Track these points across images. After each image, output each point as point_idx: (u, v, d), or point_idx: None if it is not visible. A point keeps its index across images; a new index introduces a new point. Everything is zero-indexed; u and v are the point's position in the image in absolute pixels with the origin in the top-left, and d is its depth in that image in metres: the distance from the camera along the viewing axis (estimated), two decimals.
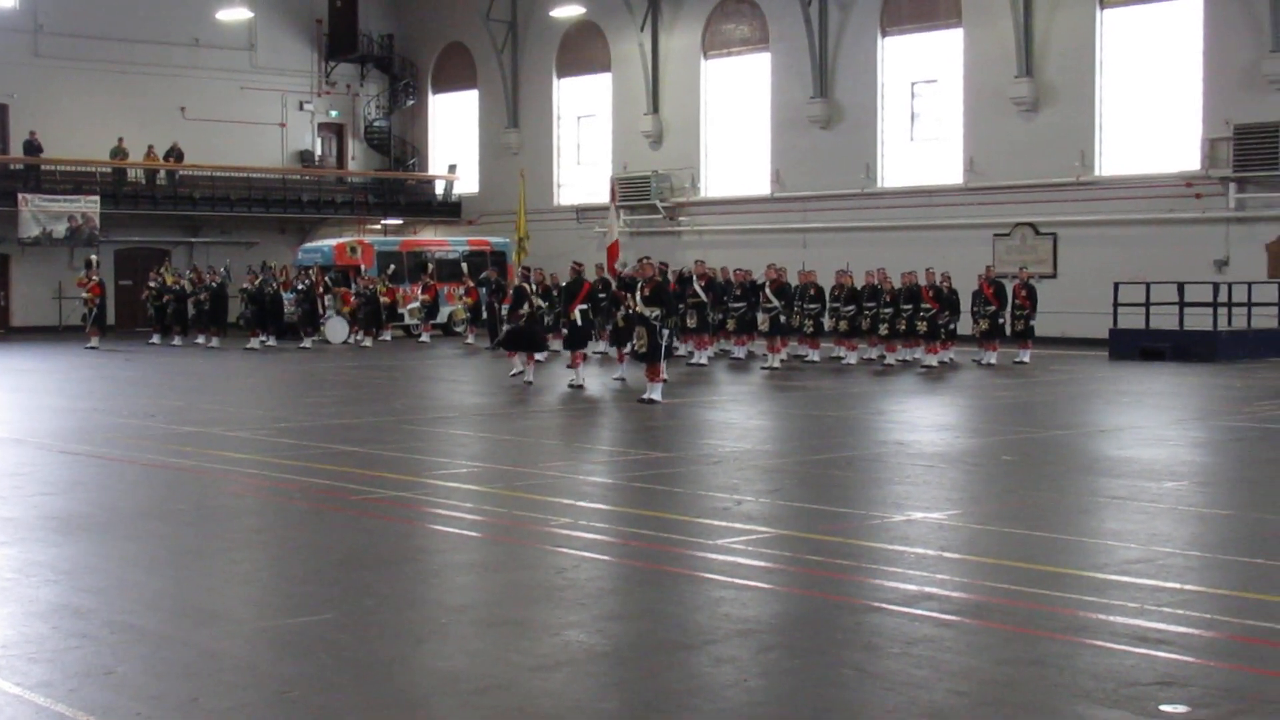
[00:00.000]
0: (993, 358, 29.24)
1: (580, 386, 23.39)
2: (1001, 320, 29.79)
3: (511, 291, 25.78)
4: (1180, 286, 30.83)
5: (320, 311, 37.80)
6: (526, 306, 24.52)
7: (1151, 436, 17.17)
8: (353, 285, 39.18)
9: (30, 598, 8.73)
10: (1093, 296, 33.93)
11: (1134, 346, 30.62)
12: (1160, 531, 10.75)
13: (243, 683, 7.07)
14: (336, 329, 38.16)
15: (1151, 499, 12.25)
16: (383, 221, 51.10)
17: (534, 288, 25.00)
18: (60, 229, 43.26)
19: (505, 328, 25.76)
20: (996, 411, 20.91)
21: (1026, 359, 29.31)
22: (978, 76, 37.89)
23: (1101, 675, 6.98)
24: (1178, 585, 8.89)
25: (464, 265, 39.72)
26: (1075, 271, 35.92)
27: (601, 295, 26.39)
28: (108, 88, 46.14)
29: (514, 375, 24.94)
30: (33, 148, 43.82)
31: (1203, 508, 12.09)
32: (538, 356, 25.29)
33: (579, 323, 24.01)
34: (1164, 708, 6.46)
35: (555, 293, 29.75)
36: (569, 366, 24.13)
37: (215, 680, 7.09)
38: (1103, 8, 35.97)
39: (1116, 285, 31.83)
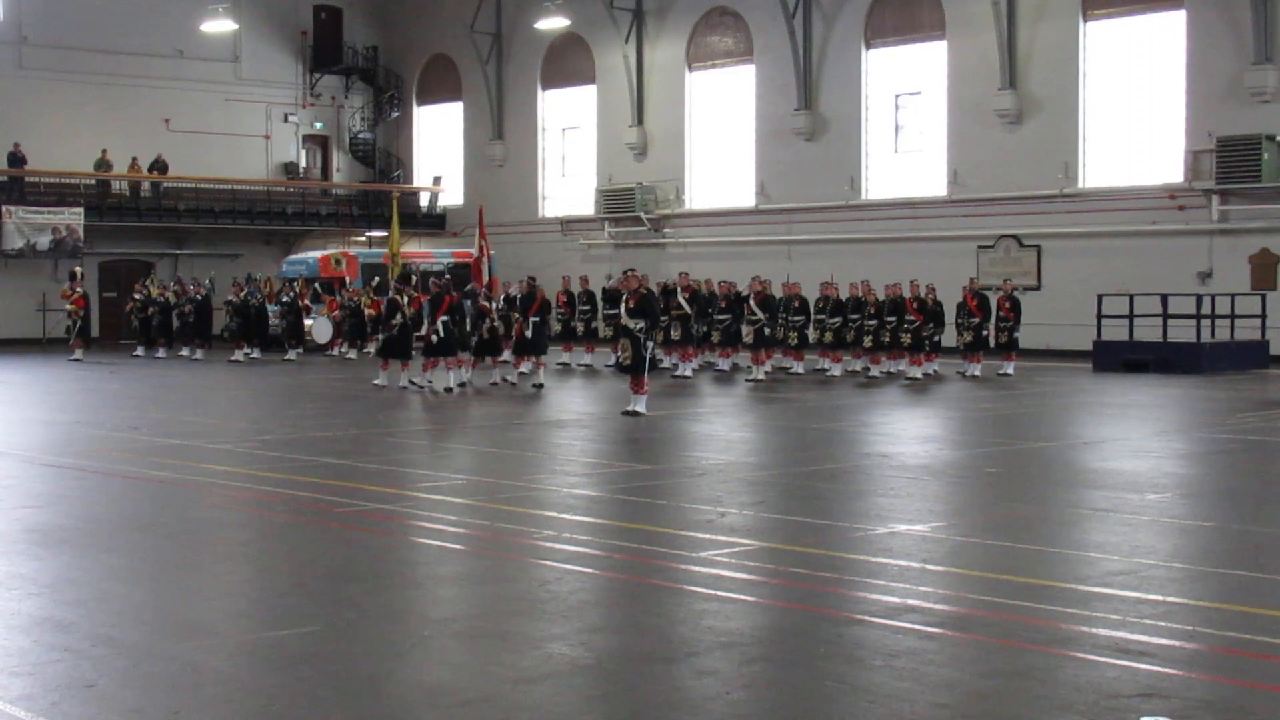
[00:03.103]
0: (977, 370, 29.31)
1: (451, 390, 25.38)
2: (985, 332, 29.84)
3: (385, 302, 27.64)
4: (1164, 298, 30.91)
5: (307, 320, 37.87)
6: (399, 317, 26.27)
7: (1135, 448, 17.19)
8: (338, 297, 39.15)
9: (12, 611, 8.70)
10: (1076, 308, 34.02)
11: (1118, 358, 30.69)
12: (1143, 544, 10.77)
13: (225, 696, 7.05)
14: (322, 328, 38.13)
15: (1134, 511, 12.26)
16: (367, 233, 51.04)
17: (406, 300, 26.65)
18: (44, 241, 43.19)
19: (381, 337, 27.56)
20: (980, 423, 20.93)
21: (1010, 371, 29.37)
22: (961, 88, 37.99)
23: (1083, 687, 6.99)
24: (1160, 597, 8.90)
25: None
26: (1059, 283, 36.01)
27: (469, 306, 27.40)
28: (92, 99, 46.08)
29: (375, 383, 26.33)
30: (16, 159, 43.73)
31: (1185, 520, 12.11)
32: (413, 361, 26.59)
33: (440, 333, 25.49)
34: None
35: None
36: (424, 369, 26.11)
37: (197, 694, 7.06)
38: (1086, 20, 36.10)
39: (1100, 297, 31.90)
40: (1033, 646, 7.77)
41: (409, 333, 26.38)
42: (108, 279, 46.38)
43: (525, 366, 26.87)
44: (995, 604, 8.76)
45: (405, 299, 26.61)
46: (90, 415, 22.34)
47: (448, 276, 28.98)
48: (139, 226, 46.29)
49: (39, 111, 45.11)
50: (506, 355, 27.32)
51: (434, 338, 25.47)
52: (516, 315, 26.70)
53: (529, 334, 26.48)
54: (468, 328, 26.55)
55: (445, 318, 25.63)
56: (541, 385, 25.94)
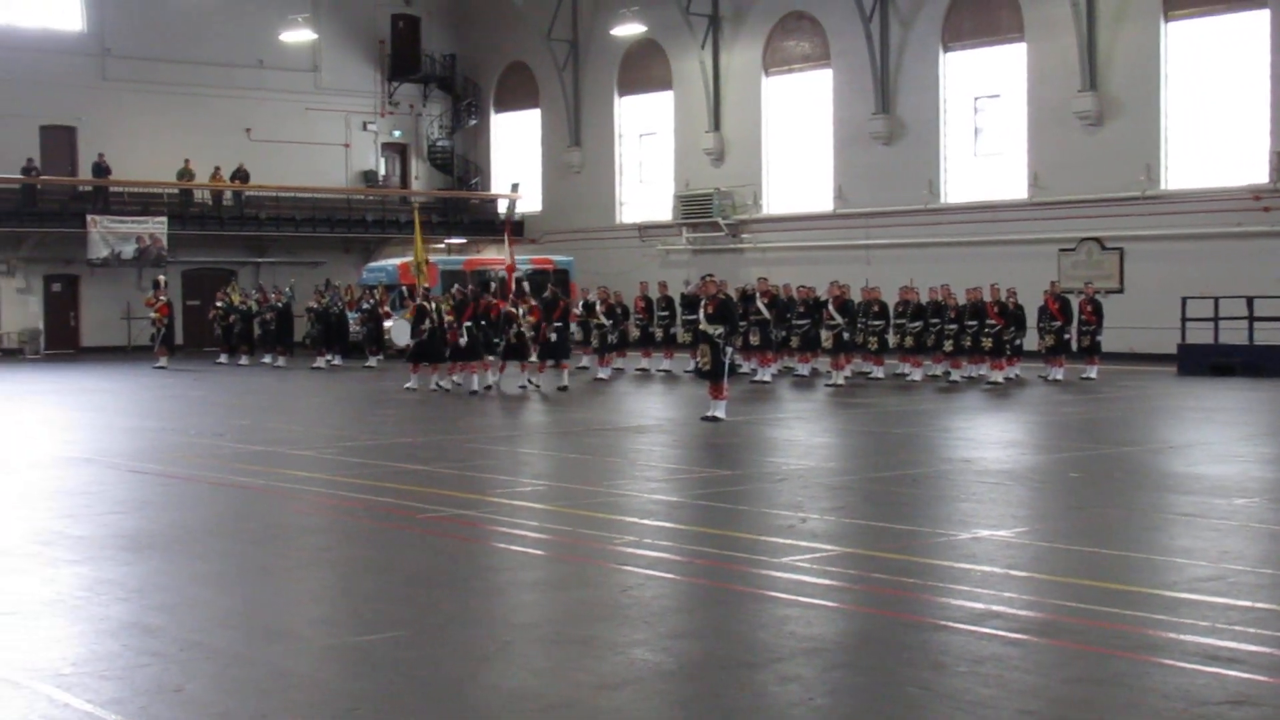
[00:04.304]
0: (1059, 374, 29.04)
1: (461, 391, 26.91)
2: (1068, 336, 29.59)
3: (415, 309, 28.76)
4: (1250, 301, 30.51)
5: (387, 323, 38.17)
6: (427, 323, 27.74)
7: (1221, 453, 16.98)
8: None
9: (101, 616, 8.82)
10: (1160, 311, 33.63)
11: (1203, 362, 30.30)
12: (1231, 549, 10.64)
13: (310, 700, 7.11)
14: (400, 330, 38.35)
15: (1222, 516, 12.11)
16: (446, 241, 51.31)
17: (434, 306, 28.05)
18: (128, 250, 43.72)
19: (409, 343, 29.02)
20: (1063, 428, 20.75)
21: (1093, 375, 29.09)
22: (1041, 90, 37.67)
23: (1171, 694, 6.91)
24: (1249, 603, 8.79)
25: (525, 284, 39.83)
26: (1142, 286, 35.60)
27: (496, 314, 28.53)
28: (174, 109, 46.62)
29: (406, 388, 27.68)
30: (101, 169, 44.34)
31: (1274, 525, 11.95)
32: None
33: (465, 338, 26.94)
34: None
35: (619, 310, 31.32)
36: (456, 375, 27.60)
37: (283, 698, 7.13)
38: (1167, 20, 35.68)
39: (1184, 300, 31.53)
40: (1119, 653, 7.70)
41: (437, 338, 27.70)
42: (191, 287, 46.89)
43: (571, 372, 27.75)
44: (1080, 610, 8.67)
45: (434, 306, 27.95)
46: (175, 422, 22.60)
47: (473, 285, 30.17)
48: (221, 235, 46.80)
49: (122, 122, 45.69)
50: (533, 358, 28.11)
51: (464, 338, 26.96)
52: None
53: (553, 338, 27.80)
54: (494, 333, 27.45)
55: (470, 323, 26.91)
56: (565, 388, 27.32)
